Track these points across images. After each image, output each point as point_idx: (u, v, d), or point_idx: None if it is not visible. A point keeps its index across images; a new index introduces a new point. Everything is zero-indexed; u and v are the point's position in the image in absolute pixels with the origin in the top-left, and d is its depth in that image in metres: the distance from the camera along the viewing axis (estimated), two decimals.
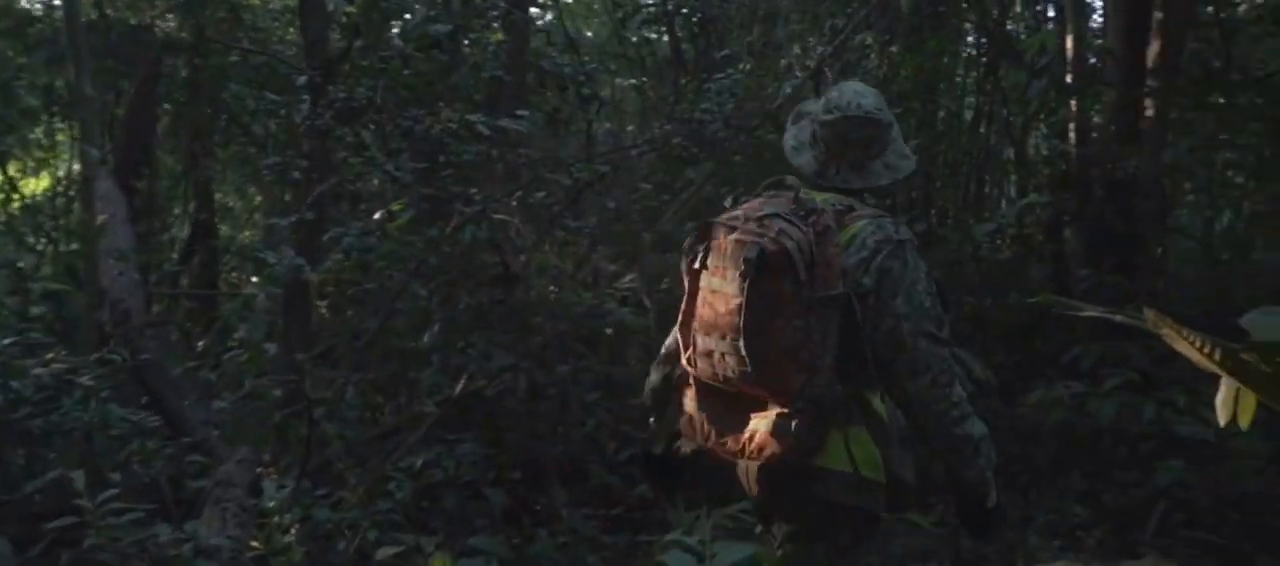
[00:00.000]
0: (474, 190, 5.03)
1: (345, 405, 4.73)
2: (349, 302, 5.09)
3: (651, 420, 2.69)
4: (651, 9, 8.51)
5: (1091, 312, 1.74)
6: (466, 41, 6.11)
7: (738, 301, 2.16)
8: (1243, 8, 8.89)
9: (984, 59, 7.30)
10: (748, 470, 2.30)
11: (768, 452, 2.19)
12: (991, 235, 6.07)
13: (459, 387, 4.44)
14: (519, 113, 5.44)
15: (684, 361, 2.36)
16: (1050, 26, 8.00)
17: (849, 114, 2.38)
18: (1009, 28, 8.40)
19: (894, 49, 5.82)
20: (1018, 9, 8.74)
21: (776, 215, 2.19)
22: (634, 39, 8.84)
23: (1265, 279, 6.96)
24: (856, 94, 2.44)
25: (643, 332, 4.80)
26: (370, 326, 4.92)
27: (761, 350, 2.16)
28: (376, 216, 4.92)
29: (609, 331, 4.76)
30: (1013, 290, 5.84)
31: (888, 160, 2.44)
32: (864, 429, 2.23)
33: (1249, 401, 1.76)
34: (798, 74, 6.28)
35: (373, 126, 5.19)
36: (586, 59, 8.14)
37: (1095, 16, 8.37)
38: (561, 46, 7.64)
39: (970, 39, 8.10)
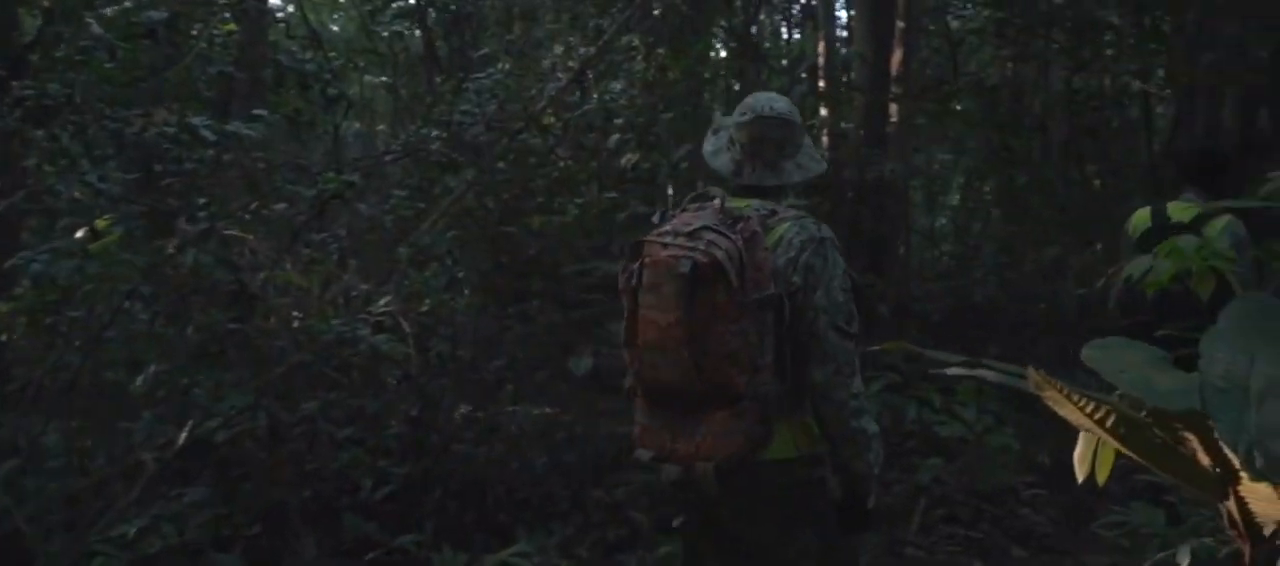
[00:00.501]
0: (202, 202, 4.34)
1: (47, 454, 3.93)
2: (46, 334, 4.24)
3: None
4: (402, 4, 7.93)
5: (956, 370, 1.52)
6: (194, 31, 5.35)
7: (677, 314, 2.24)
8: (957, 24, 9.47)
9: (737, 64, 7.26)
10: (704, 471, 2.33)
11: (721, 452, 2.29)
12: None
13: (184, 434, 3.76)
14: (255, 113, 4.77)
15: (631, 375, 2.44)
16: (798, 33, 8.09)
17: (763, 115, 2.49)
18: (756, 32, 8.48)
19: (661, 51, 5.61)
20: (762, 16, 8.84)
21: (705, 227, 2.26)
22: (384, 34, 8.20)
23: (995, 276, 7.36)
24: (770, 99, 2.57)
25: (401, 359, 4.29)
26: (73, 361, 4.11)
27: (704, 357, 2.24)
28: (79, 234, 4.11)
29: (361, 359, 4.21)
30: None
31: (799, 160, 2.53)
32: (809, 417, 2.36)
33: (1107, 456, 1.61)
34: (560, 75, 5.95)
35: (72, 128, 4.37)
36: (332, 54, 7.43)
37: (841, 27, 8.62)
38: (303, 41, 6.90)
39: (718, 44, 8.10)
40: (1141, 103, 8.61)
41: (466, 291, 4.89)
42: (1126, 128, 9.18)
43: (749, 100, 2.58)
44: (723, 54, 7.80)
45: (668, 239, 2.30)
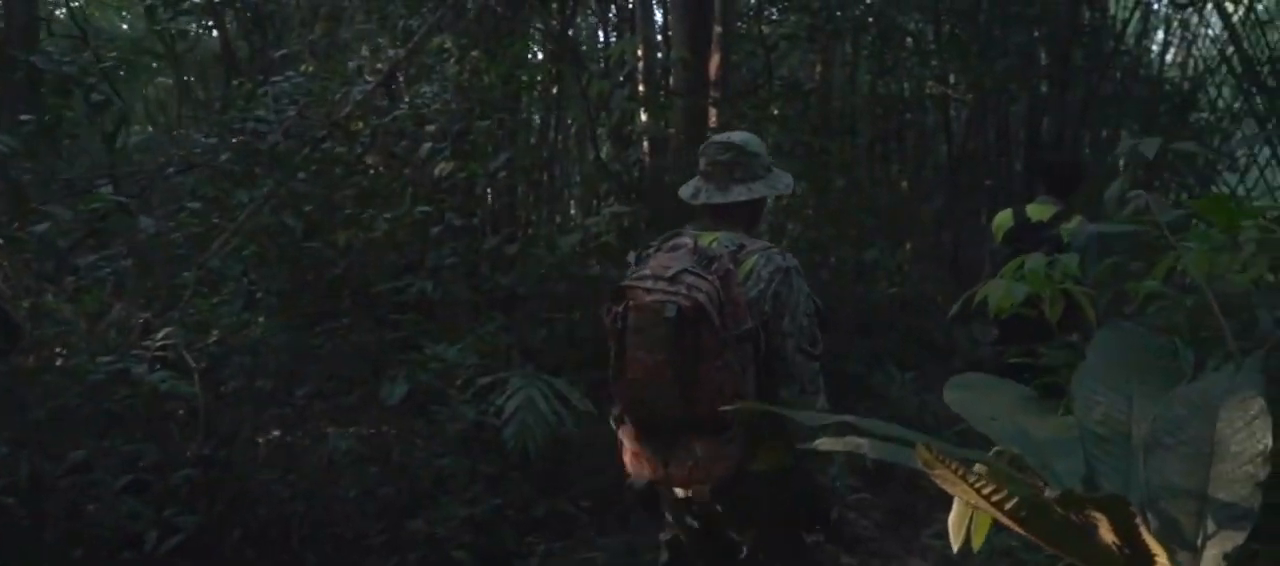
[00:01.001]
0: None
1: None
2: None
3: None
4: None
5: (862, 449, 1.34)
6: None
7: (664, 355, 2.34)
8: (769, 28, 9.55)
9: (554, 68, 6.98)
10: (700, 493, 2.47)
11: (714, 475, 2.43)
12: (576, 247, 5.71)
13: None
14: (22, 119, 4.15)
15: (618, 408, 2.55)
16: (615, 35, 7.88)
17: (714, 142, 2.72)
18: (573, 35, 8.22)
19: (476, 54, 5.25)
20: (579, 19, 8.59)
21: (685, 270, 2.38)
22: (171, 31, 7.45)
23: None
24: (728, 134, 2.79)
25: (188, 398, 3.78)
26: None
27: (693, 392, 2.37)
28: None
29: (141, 398, 3.68)
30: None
31: (750, 185, 2.66)
32: (784, 434, 2.46)
33: (983, 523, 1.47)
34: (368, 78, 5.49)
35: None
36: (112, 54, 6.65)
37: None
38: (68, 40, 6.14)
39: (536, 47, 7.81)
40: (940, 107, 8.91)
41: (262, 317, 4.39)
42: (927, 131, 9.51)
43: (715, 135, 2.86)
44: (541, 57, 7.52)
45: (649, 283, 2.41)
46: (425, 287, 4.64)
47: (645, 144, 6.82)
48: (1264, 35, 13.54)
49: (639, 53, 6.92)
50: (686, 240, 2.53)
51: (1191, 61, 13.12)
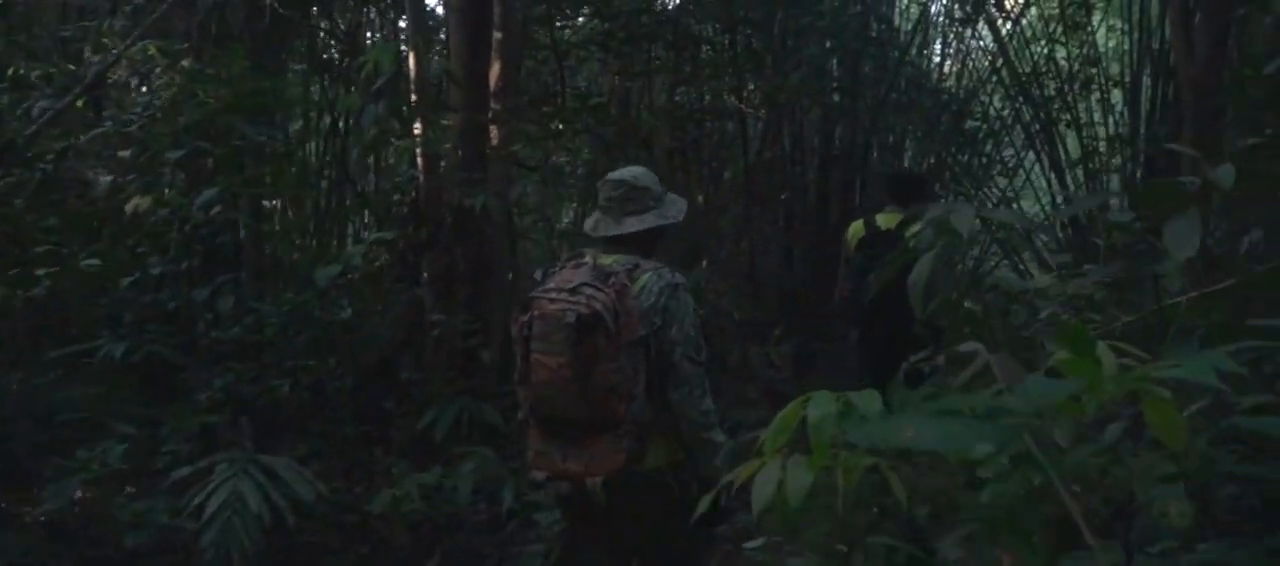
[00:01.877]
0: None
1: None
2: None
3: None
4: None
5: None
6: None
7: (566, 357, 2.57)
8: (567, 31, 8.90)
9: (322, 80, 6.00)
10: (594, 485, 2.64)
11: (606, 468, 2.63)
12: (336, 280, 4.82)
13: None
14: None
15: (523, 410, 2.75)
16: (380, 41, 6.93)
17: (608, 179, 2.90)
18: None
19: (187, 64, 4.27)
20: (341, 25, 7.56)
21: (584, 283, 2.62)
22: None
23: None
24: (625, 170, 2.94)
25: None
26: None
27: (589, 391, 2.59)
28: None
29: None
30: (361, 347, 4.67)
31: (640, 216, 2.83)
32: (673, 434, 2.72)
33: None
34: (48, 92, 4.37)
35: None
36: None
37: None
38: None
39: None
40: (738, 117, 8.49)
41: None
42: (723, 141, 9.09)
43: (611, 174, 2.94)
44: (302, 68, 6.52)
45: (553, 294, 2.63)
46: (114, 351, 3.65)
47: (420, 160, 5.98)
48: (1029, 49, 14.06)
49: (412, 61, 6.06)
50: (587, 259, 2.75)
51: (966, 72, 13.49)
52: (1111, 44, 14.29)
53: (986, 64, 13.48)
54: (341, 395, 4.38)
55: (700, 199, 7.91)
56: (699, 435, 2.70)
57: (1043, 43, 14.16)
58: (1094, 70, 13.72)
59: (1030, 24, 14.48)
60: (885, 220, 5.20)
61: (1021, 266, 13.41)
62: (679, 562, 2.85)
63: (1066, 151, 14.02)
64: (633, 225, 2.83)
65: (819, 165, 8.51)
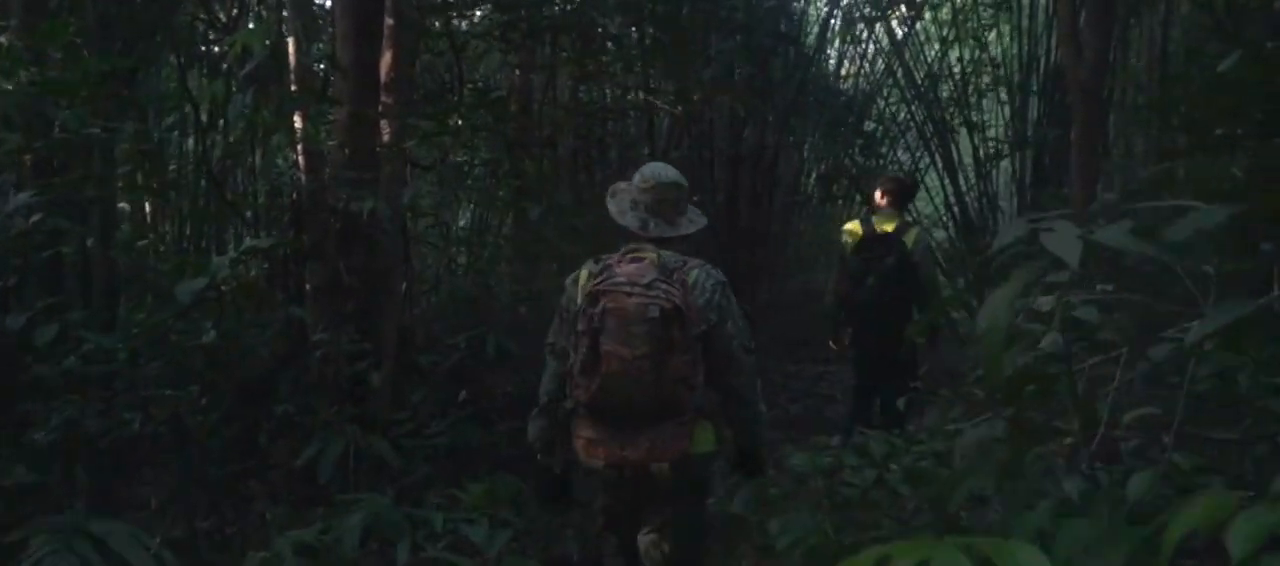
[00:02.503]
0: None
1: None
2: None
3: (538, 455, 3.05)
4: None
5: None
6: None
7: (646, 349, 2.64)
8: (465, 24, 8.26)
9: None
10: (662, 468, 2.74)
11: (671, 452, 2.74)
12: (202, 295, 4.09)
13: None
14: None
15: (582, 398, 2.74)
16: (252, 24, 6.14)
17: (662, 181, 2.92)
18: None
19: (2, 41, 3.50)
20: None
21: (657, 280, 2.68)
22: None
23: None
24: (663, 168, 2.99)
25: None
26: None
27: (662, 381, 2.68)
28: None
29: None
30: (229, 372, 3.97)
31: (689, 216, 2.97)
32: (716, 420, 2.89)
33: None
34: None
35: None
36: None
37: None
38: None
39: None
40: (645, 115, 8.00)
41: None
42: (630, 140, 8.59)
43: (647, 171, 2.96)
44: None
45: (627, 288, 2.67)
46: None
47: (300, 158, 5.28)
48: (923, 52, 14.03)
49: (291, 47, 5.34)
50: (646, 255, 2.77)
51: (864, 75, 13.40)
52: (1000, 49, 14.42)
53: (883, 66, 13.48)
54: (205, 430, 3.69)
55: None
56: (755, 410, 2.92)
57: (937, 46, 14.22)
58: (986, 74, 13.84)
59: (924, 28, 14.53)
60: (883, 223, 5.25)
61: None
62: (701, 533, 3.03)
63: (959, 153, 14.10)
64: (687, 228, 2.93)
65: (727, 166, 8.10)
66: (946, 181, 13.73)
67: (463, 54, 7.21)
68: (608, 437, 2.75)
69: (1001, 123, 13.76)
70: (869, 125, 12.62)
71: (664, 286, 2.66)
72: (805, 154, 11.10)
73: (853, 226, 5.37)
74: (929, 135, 13.74)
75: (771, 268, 9.54)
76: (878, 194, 5.46)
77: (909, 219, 5.41)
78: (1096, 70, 10.93)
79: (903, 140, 14.07)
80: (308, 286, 5.02)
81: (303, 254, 5.04)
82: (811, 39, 10.41)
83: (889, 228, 5.19)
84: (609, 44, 7.49)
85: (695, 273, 2.79)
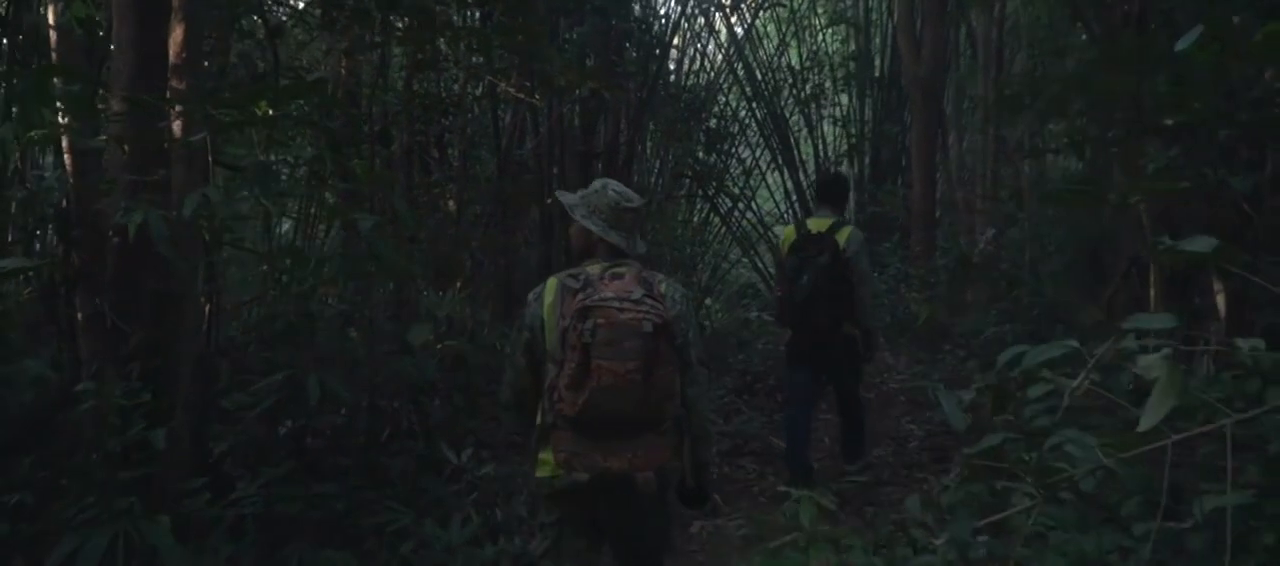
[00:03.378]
0: None
1: None
2: None
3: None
4: None
5: None
6: None
7: (637, 362, 2.67)
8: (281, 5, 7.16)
9: None
10: (647, 478, 2.76)
11: (654, 463, 2.78)
12: None
13: None
14: None
15: (567, 412, 2.73)
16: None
17: (627, 202, 3.00)
18: None
19: None
20: None
21: (645, 296, 2.75)
22: None
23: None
24: (625, 191, 3.05)
25: None
26: None
27: (650, 393, 2.71)
28: None
29: None
30: None
31: (638, 240, 3.05)
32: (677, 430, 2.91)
33: None
34: None
35: None
36: None
37: None
38: None
39: None
40: (490, 109, 7.18)
41: None
42: (472, 136, 7.71)
43: (625, 191, 3.04)
44: None
45: (617, 304, 2.70)
46: None
47: (67, 157, 4.18)
48: (761, 49, 13.78)
49: (50, 19, 4.21)
50: (627, 270, 2.84)
51: (705, 72, 13.04)
52: (838, 46, 14.43)
53: (722, 62, 13.18)
54: None
55: (450, 204, 6.51)
56: (706, 427, 2.97)
57: (775, 44, 14.07)
58: (825, 73, 13.80)
59: (762, 25, 14.35)
60: (817, 224, 5.29)
61: (761, 265, 13.21)
62: (663, 541, 3.05)
63: (799, 151, 14.01)
64: (640, 247, 3.03)
65: (579, 164, 7.39)
66: (787, 178, 13.64)
67: (279, 38, 6.16)
68: (592, 450, 2.75)
69: (840, 120, 13.81)
70: (712, 123, 12.24)
71: (651, 301, 2.73)
72: (647, 151, 10.54)
73: (789, 229, 5.48)
74: (769, 133, 13.60)
75: None
76: (815, 194, 5.58)
77: (845, 218, 5.47)
78: (934, 68, 11.00)
79: (743, 138, 13.87)
80: (79, 317, 3.96)
81: (72, 278, 3.97)
82: (663, 30, 9.84)
83: (823, 227, 5.25)
84: (445, 32, 6.59)
85: (665, 285, 2.90)
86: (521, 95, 5.98)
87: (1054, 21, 8.04)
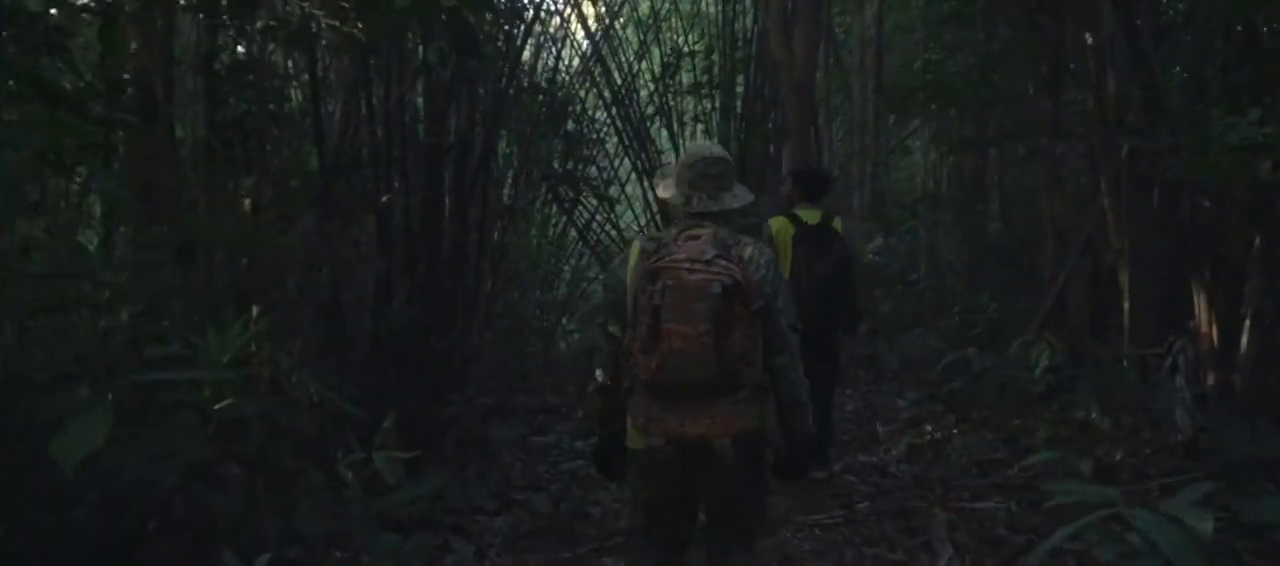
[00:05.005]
0: None
1: None
2: None
3: (597, 430, 2.95)
4: None
5: None
6: None
7: (708, 325, 2.52)
8: None
9: None
10: (724, 444, 2.61)
11: (733, 428, 2.61)
12: None
13: None
14: None
15: (642, 376, 2.62)
16: None
17: (706, 156, 2.83)
18: None
19: None
20: None
21: (718, 256, 2.59)
22: None
23: None
24: (707, 144, 2.99)
25: None
26: None
27: (724, 357, 2.55)
28: None
29: None
30: None
31: (734, 191, 2.83)
32: (769, 399, 2.73)
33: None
34: None
35: None
36: None
37: None
38: None
39: None
40: (309, 98, 5.59)
41: None
42: (290, 127, 6.06)
43: (692, 147, 2.92)
44: None
45: (687, 265, 2.57)
46: None
47: None
48: (621, 55, 12.76)
49: None
50: (702, 232, 2.68)
51: (562, 72, 11.91)
52: (701, 49, 13.54)
53: (579, 65, 12.10)
54: None
55: (247, 204, 4.88)
56: (798, 396, 2.76)
57: (634, 48, 13.03)
58: (686, 77, 12.86)
59: (621, 29, 13.29)
60: (808, 216, 5.12)
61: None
62: (755, 517, 2.90)
63: (660, 156, 12.99)
64: (731, 202, 2.82)
65: (424, 162, 5.91)
66: (647, 186, 12.58)
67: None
68: (668, 414, 2.62)
69: (705, 126, 12.90)
70: (570, 127, 11.10)
71: (724, 262, 2.59)
72: (503, 153, 9.22)
73: (783, 222, 5.12)
74: (629, 139, 12.52)
75: (482, 293, 7.30)
76: (791, 189, 5.38)
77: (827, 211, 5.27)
78: (808, 69, 10.21)
79: (602, 146, 12.80)
80: None
81: None
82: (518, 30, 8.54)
83: (815, 219, 5.11)
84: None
85: (749, 249, 2.71)
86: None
87: (945, 17, 7.32)
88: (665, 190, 2.88)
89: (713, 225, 2.69)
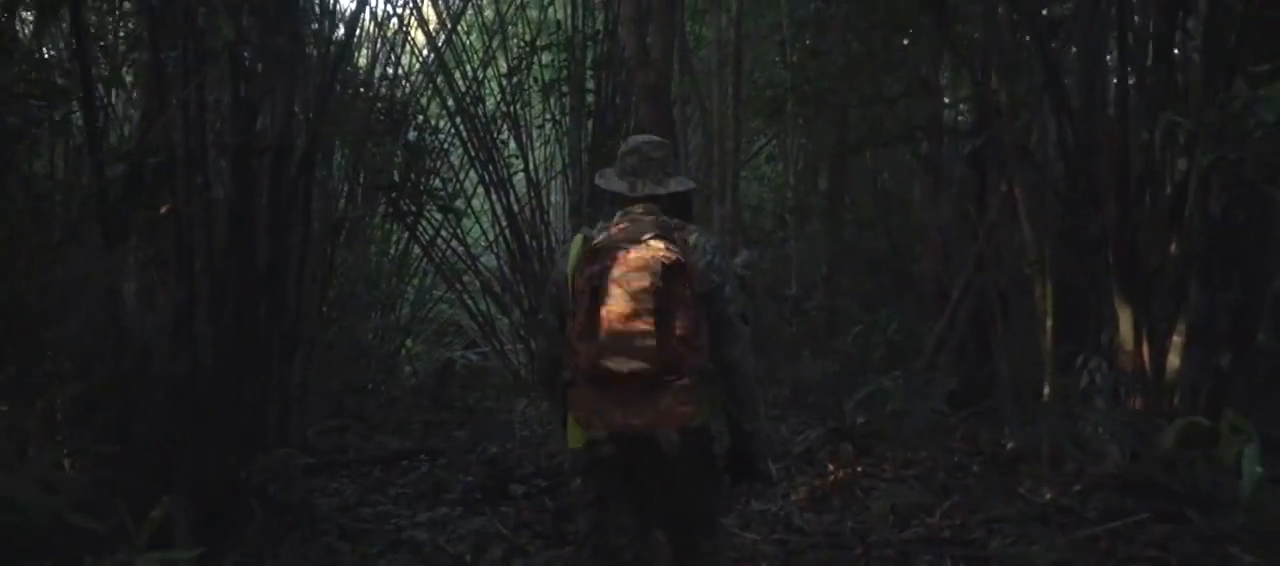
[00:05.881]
0: None
1: None
2: None
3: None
4: None
5: None
6: None
7: (649, 304, 2.42)
8: None
9: None
10: (669, 435, 2.46)
11: (677, 421, 2.47)
12: None
13: None
14: None
15: (583, 366, 2.48)
16: None
17: (647, 140, 2.81)
18: None
19: None
20: None
21: (659, 235, 2.52)
22: None
23: None
24: (646, 135, 2.93)
25: None
26: None
27: (664, 341, 2.43)
28: None
29: None
30: None
31: (678, 176, 2.77)
32: (714, 392, 2.61)
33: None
34: None
35: None
36: None
37: None
38: None
39: None
40: (83, 88, 4.41)
41: None
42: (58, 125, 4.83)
43: (628, 141, 2.82)
44: None
45: (625, 244, 2.49)
46: None
47: None
48: (466, 63, 12.00)
49: None
50: (645, 217, 2.59)
51: (403, 80, 11.13)
52: (549, 57, 12.85)
53: (420, 72, 11.23)
54: None
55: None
56: (750, 390, 2.63)
57: (478, 55, 12.25)
58: (534, 87, 12.18)
59: (464, 35, 12.47)
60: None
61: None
62: (710, 518, 2.73)
63: (508, 168, 12.26)
64: (677, 186, 2.75)
65: (233, 163, 4.85)
66: (496, 200, 11.83)
67: None
68: (609, 406, 2.49)
69: (553, 136, 12.22)
70: (412, 136, 10.25)
71: (665, 242, 2.50)
72: (336, 160, 8.21)
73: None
74: (475, 149, 11.76)
75: (306, 321, 6.15)
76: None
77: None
78: (664, 75, 9.72)
79: (446, 158, 11.97)
80: None
81: None
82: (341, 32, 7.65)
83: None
84: None
85: (695, 235, 2.65)
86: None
87: (810, 21, 6.95)
88: (608, 182, 2.78)
89: (656, 211, 2.59)
